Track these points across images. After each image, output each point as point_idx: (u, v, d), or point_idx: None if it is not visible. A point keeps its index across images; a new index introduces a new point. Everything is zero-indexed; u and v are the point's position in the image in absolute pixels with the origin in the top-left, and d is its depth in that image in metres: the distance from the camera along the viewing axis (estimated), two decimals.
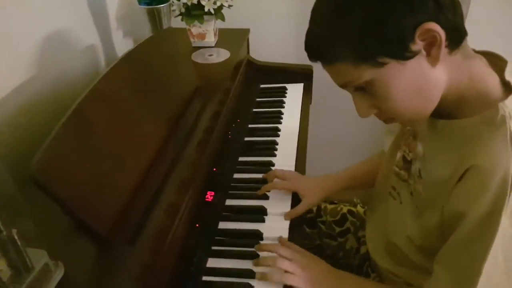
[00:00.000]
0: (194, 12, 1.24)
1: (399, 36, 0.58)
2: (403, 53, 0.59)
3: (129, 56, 0.93)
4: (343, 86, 0.67)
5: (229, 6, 1.28)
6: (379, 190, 0.94)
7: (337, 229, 1.11)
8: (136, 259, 0.70)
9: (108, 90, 0.82)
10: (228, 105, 1.24)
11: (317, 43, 0.65)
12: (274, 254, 0.82)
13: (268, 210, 0.99)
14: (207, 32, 1.35)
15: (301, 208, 0.98)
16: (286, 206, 1.00)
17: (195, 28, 1.35)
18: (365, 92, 0.65)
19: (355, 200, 1.16)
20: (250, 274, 0.84)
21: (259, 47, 1.59)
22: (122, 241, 0.72)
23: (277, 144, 1.22)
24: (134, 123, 0.86)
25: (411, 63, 0.60)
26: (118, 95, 0.84)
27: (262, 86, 1.52)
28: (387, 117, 0.69)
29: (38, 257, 0.63)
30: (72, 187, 0.68)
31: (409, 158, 0.79)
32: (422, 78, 0.63)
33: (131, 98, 0.87)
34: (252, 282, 0.81)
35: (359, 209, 1.13)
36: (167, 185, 0.84)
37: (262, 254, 0.86)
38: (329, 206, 1.15)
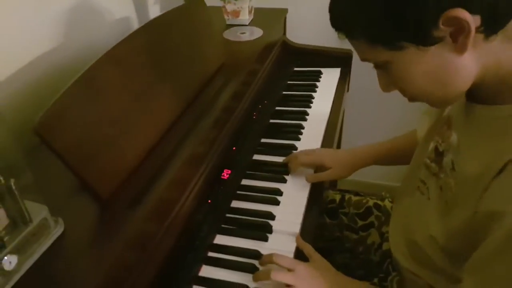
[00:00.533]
0: None
1: (419, 22, 0.52)
2: (424, 39, 0.53)
3: (154, 23, 0.90)
4: (363, 60, 0.63)
5: None
6: (408, 182, 0.86)
7: (360, 223, 1.04)
8: (138, 227, 0.68)
9: (125, 55, 0.80)
10: (255, 85, 1.20)
11: (336, 17, 0.61)
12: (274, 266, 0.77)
13: (284, 193, 0.95)
14: (241, 9, 1.32)
15: (325, 175, 0.95)
16: (304, 190, 0.95)
17: (230, 5, 1.32)
18: (384, 70, 0.61)
19: (383, 194, 1.09)
20: (257, 254, 0.80)
21: (297, 29, 1.53)
22: (124, 206, 0.70)
23: (303, 128, 1.17)
24: (149, 92, 0.84)
25: (433, 49, 0.54)
26: (135, 62, 0.82)
27: (295, 69, 1.46)
28: (408, 97, 0.65)
29: (38, 211, 0.63)
30: (76, 144, 0.66)
31: (441, 149, 0.71)
32: (444, 66, 0.56)
33: (148, 66, 0.85)
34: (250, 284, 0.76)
35: (387, 203, 1.05)
36: (177, 157, 0.82)
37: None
38: (354, 198, 1.08)
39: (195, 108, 0.95)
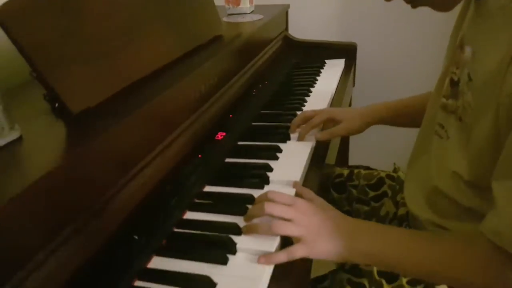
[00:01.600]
0: None
1: None
2: None
3: None
4: None
5: None
6: (423, 135, 0.80)
7: (371, 193, 0.93)
8: (106, 151, 0.58)
9: None
10: (255, 62, 1.15)
11: None
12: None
13: (284, 151, 0.84)
14: None
15: (337, 130, 0.88)
16: (306, 149, 0.85)
17: None
18: None
19: (394, 164, 0.98)
20: (251, 198, 0.69)
21: (298, 26, 1.51)
22: (97, 122, 0.61)
23: (306, 102, 1.09)
24: (138, 28, 0.77)
25: None
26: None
27: (296, 61, 1.41)
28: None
29: None
30: (45, 44, 0.59)
31: (456, 78, 0.66)
32: None
33: (144, 5, 0.80)
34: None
35: (401, 174, 0.94)
36: (166, 97, 0.72)
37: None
38: (363, 171, 0.98)
39: (187, 66, 0.88)
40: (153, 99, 0.69)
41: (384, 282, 0.68)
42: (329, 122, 0.92)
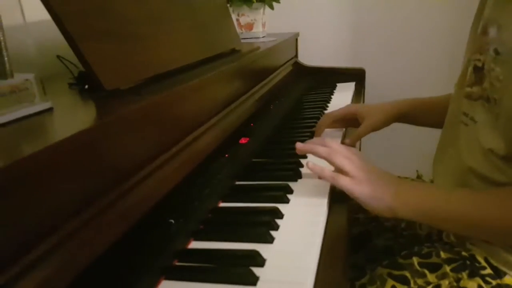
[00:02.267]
0: None
1: None
2: None
3: None
4: None
5: None
6: (447, 131, 0.80)
7: None
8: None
9: None
10: (268, 83, 1.15)
11: None
12: None
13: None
14: (255, 22, 1.33)
15: (363, 130, 0.87)
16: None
17: (244, 18, 1.33)
18: None
19: (417, 171, 0.96)
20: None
21: (308, 53, 1.54)
22: (128, 99, 0.59)
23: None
24: (165, 22, 0.78)
25: None
26: None
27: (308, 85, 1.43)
28: None
29: (22, 76, 0.52)
30: (82, 16, 0.58)
31: (480, 64, 0.69)
32: None
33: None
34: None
35: (425, 178, 0.92)
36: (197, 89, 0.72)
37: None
38: None
39: (208, 68, 0.87)
40: (179, 87, 0.67)
41: (427, 272, 0.64)
42: (351, 121, 0.93)
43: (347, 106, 0.93)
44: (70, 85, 0.68)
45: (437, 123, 0.88)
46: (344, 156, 0.64)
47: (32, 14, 0.77)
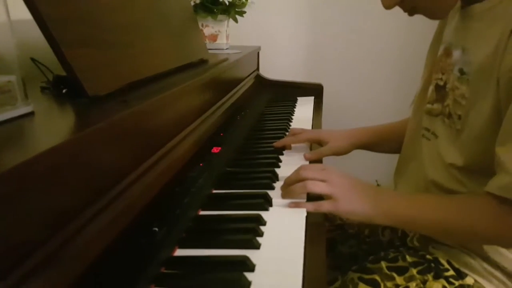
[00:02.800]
0: (207, 4, 1.25)
1: None
2: None
3: None
4: None
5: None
6: (409, 145, 0.87)
7: None
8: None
9: None
10: (235, 94, 1.17)
11: None
12: None
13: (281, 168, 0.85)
14: (219, 33, 1.35)
15: (325, 151, 0.90)
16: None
17: (208, 29, 1.35)
18: None
19: (376, 181, 1.02)
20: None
21: (268, 67, 1.58)
22: (112, 105, 0.58)
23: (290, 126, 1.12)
24: (141, 29, 0.78)
25: None
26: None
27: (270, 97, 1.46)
28: (410, 7, 0.70)
29: (4, 77, 0.50)
30: (67, 22, 0.57)
31: (442, 83, 0.75)
32: None
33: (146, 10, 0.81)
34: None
35: (384, 187, 0.98)
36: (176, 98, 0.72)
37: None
38: None
39: (180, 78, 0.88)
40: (162, 95, 0.67)
41: (395, 275, 0.69)
42: (315, 143, 0.96)
43: (311, 131, 0.98)
44: (43, 89, 0.66)
45: (394, 150, 0.95)
46: (321, 181, 0.65)
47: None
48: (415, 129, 0.83)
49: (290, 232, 0.58)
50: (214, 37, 1.36)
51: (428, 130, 0.78)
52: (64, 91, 0.61)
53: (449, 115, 0.70)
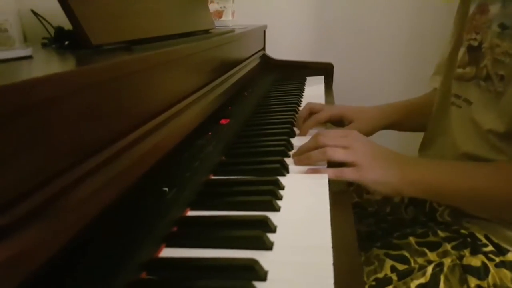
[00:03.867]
0: None
1: None
2: None
3: None
4: None
5: None
6: (436, 118, 0.81)
7: None
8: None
9: None
10: (239, 71, 1.12)
11: None
12: None
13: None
14: (224, 9, 1.30)
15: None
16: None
17: (213, 5, 1.29)
18: None
19: None
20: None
21: (275, 47, 1.53)
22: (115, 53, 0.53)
23: (301, 102, 1.06)
24: None
25: None
26: None
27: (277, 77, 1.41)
28: None
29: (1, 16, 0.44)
30: None
31: (476, 43, 0.69)
32: None
33: None
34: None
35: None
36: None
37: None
38: None
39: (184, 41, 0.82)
40: (167, 49, 0.62)
41: (427, 250, 0.63)
42: (336, 120, 0.88)
43: (332, 108, 0.88)
44: (44, 45, 0.60)
45: (420, 127, 0.89)
46: (342, 148, 0.60)
47: None
48: (443, 99, 0.76)
49: (312, 196, 0.53)
50: (219, 14, 1.30)
51: (458, 97, 0.71)
52: (66, 43, 0.56)
53: (487, 77, 0.64)
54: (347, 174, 0.58)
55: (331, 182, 0.57)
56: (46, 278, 0.32)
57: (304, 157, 0.62)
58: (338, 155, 0.59)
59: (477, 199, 0.58)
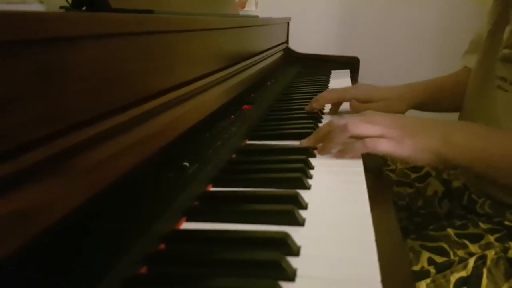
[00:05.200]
0: None
1: None
2: None
3: None
4: None
5: None
6: (474, 100, 0.74)
7: (413, 175, 0.83)
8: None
9: None
10: (265, 60, 1.08)
11: None
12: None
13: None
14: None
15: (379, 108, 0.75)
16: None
17: None
18: None
19: None
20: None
21: (298, 42, 1.49)
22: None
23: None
24: None
25: None
26: None
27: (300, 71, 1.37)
28: None
29: None
30: None
31: None
32: None
33: None
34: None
35: None
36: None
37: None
38: None
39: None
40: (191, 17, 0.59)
41: (467, 242, 0.57)
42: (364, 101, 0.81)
43: (358, 86, 0.83)
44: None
45: (451, 108, 0.84)
46: (365, 123, 0.53)
47: None
48: (484, 81, 0.70)
49: (346, 175, 0.48)
50: (242, 4, 1.28)
51: (505, 80, 0.64)
52: (83, 8, 0.53)
53: None
54: (382, 146, 0.51)
55: (365, 159, 0.52)
56: (57, 243, 0.29)
57: (327, 141, 0.55)
58: (363, 129, 0.53)
59: None
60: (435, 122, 0.54)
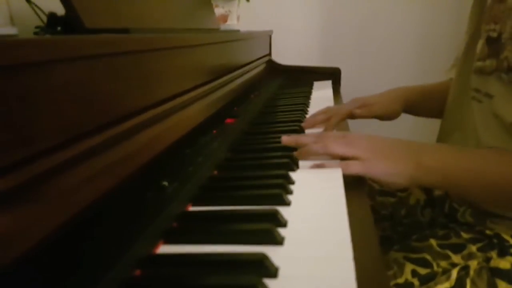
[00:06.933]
0: None
1: None
2: None
3: None
4: None
5: None
6: (453, 112, 0.76)
7: None
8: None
9: None
10: (244, 75, 1.08)
11: None
12: None
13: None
14: (229, 13, 1.27)
15: (376, 110, 0.83)
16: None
17: (218, 9, 1.27)
18: None
19: None
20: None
21: (281, 53, 1.50)
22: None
23: (308, 106, 1.02)
24: None
25: None
26: None
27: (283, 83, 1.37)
28: None
29: None
30: None
31: (495, 34, 0.65)
32: None
33: None
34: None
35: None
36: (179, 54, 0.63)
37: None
38: None
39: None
40: (167, 35, 0.59)
41: (450, 253, 0.58)
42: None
43: (352, 100, 0.86)
44: (36, 34, 0.57)
45: (435, 112, 0.85)
46: (343, 143, 0.55)
47: None
48: (460, 93, 0.72)
49: (326, 190, 0.48)
50: (224, 18, 1.28)
51: (478, 91, 0.67)
52: (58, 29, 0.53)
53: (508, 69, 0.60)
54: (353, 168, 0.52)
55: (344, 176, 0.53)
56: (30, 269, 0.28)
57: (304, 151, 0.57)
58: (340, 148, 0.54)
59: (502, 188, 0.51)
60: (410, 145, 0.55)
